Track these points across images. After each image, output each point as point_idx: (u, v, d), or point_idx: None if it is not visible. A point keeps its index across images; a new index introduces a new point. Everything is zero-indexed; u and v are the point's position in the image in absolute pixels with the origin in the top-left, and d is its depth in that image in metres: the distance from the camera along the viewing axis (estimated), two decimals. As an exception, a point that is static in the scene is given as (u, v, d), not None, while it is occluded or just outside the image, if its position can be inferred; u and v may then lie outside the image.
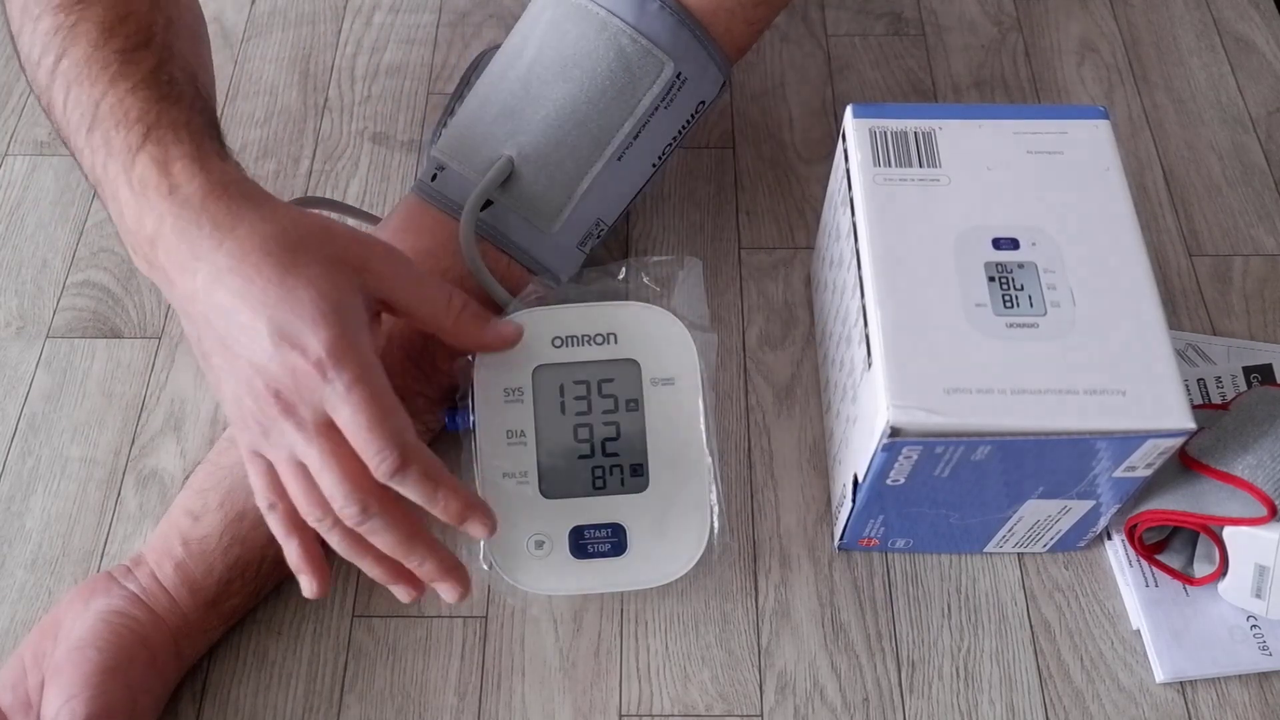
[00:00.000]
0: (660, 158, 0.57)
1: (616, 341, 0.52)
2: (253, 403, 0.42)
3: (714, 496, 0.51)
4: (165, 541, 0.50)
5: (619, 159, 0.54)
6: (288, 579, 0.52)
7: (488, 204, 0.53)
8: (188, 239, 0.41)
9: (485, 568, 0.50)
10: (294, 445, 0.42)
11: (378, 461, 0.40)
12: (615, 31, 0.52)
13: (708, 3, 0.53)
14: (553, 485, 0.51)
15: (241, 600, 0.52)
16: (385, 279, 0.44)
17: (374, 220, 0.61)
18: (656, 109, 0.54)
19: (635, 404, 0.52)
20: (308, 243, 0.42)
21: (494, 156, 0.53)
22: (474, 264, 0.52)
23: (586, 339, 0.52)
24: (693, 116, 0.57)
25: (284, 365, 0.40)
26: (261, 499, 0.45)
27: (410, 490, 0.42)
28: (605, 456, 0.51)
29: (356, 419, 0.40)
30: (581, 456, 0.51)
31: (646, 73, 0.53)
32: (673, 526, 0.51)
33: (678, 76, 0.54)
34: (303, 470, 0.43)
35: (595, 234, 0.57)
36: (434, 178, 0.54)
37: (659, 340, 0.52)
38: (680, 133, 0.57)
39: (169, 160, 0.42)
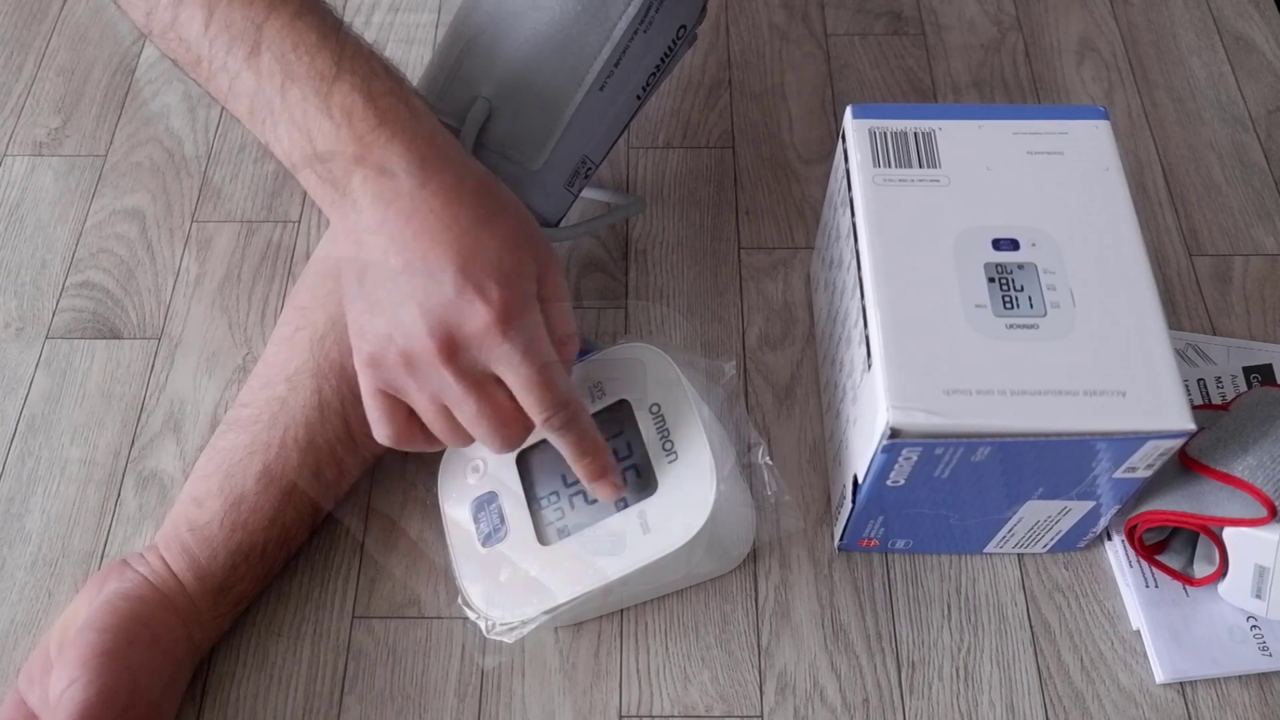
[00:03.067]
0: (644, 89, 0.56)
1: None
2: (406, 343, 0.41)
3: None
4: (174, 527, 0.51)
5: (600, 89, 0.53)
6: (294, 559, 0.54)
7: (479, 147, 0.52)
8: (389, 172, 0.41)
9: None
10: (444, 390, 0.43)
11: (549, 415, 0.44)
12: None
13: None
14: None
15: (250, 585, 0.52)
16: (544, 280, 0.44)
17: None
18: (635, 33, 0.52)
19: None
20: (505, 203, 0.43)
21: (469, 98, 0.51)
22: None
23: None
24: (674, 43, 0.55)
25: (461, 314, 0.41)
26: (387, 436, 0.46)
27: (568, 443, 0.46)
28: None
29: (530, 382, 0.42)
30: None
31: None
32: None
33: None
34: (446, 413, 0.44)
35: (583, 173, 0.55)
36: None
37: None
38: (663, 62, 0.55)
39: (373, 94, 0.41)
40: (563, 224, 0.58)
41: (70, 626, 0.48)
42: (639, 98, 0.56)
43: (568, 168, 0.54)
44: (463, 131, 0.51)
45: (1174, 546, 0.54)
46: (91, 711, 0.45)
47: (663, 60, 0.56)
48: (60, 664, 0.46)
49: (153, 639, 0.48)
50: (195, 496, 0.51)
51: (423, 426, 0.45)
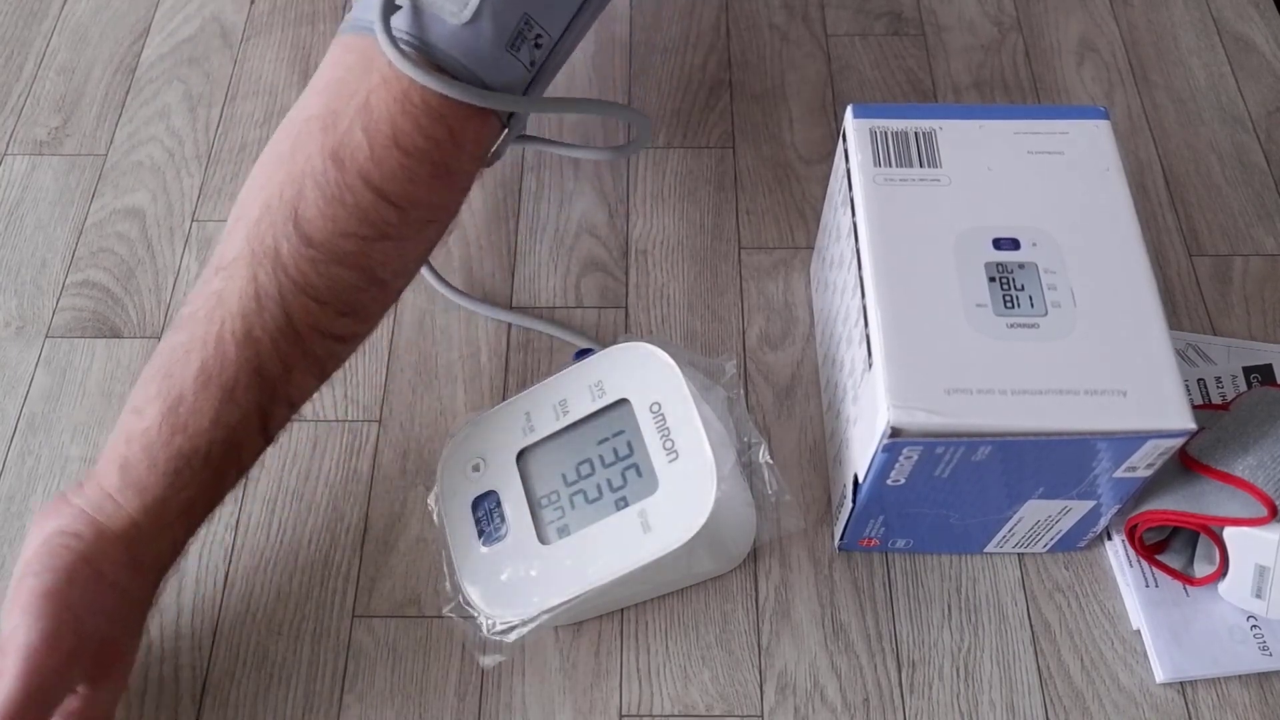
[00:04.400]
0: None
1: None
2: None
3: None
4: (113, 444, 0.48)
5: None
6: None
7: (395, 9, 0.47)
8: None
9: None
10: None
11: None
12: None
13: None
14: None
15: (196, 493, 0.48)
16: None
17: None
18: None
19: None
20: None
21: None
22: (401, 63, 0.46)
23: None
24: None
25: None
26: None
27: None
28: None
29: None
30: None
31: None
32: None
33: None
34: None
35: (531, 39, 0.49)
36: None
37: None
38: None
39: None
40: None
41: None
42: None
43: (506, 25, 0.48)
44: None
45: (1174, 546, 0.54)
46: (35, 656, 0.43)
47: None
48: (5, 613, 0.44)
49: (95, 574, 0.45)
50: (135, 406, 0.48)
51: None
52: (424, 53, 0.47)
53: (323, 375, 0.52)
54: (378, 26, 0.46)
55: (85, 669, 0.45)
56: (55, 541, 0.46)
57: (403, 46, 0.46)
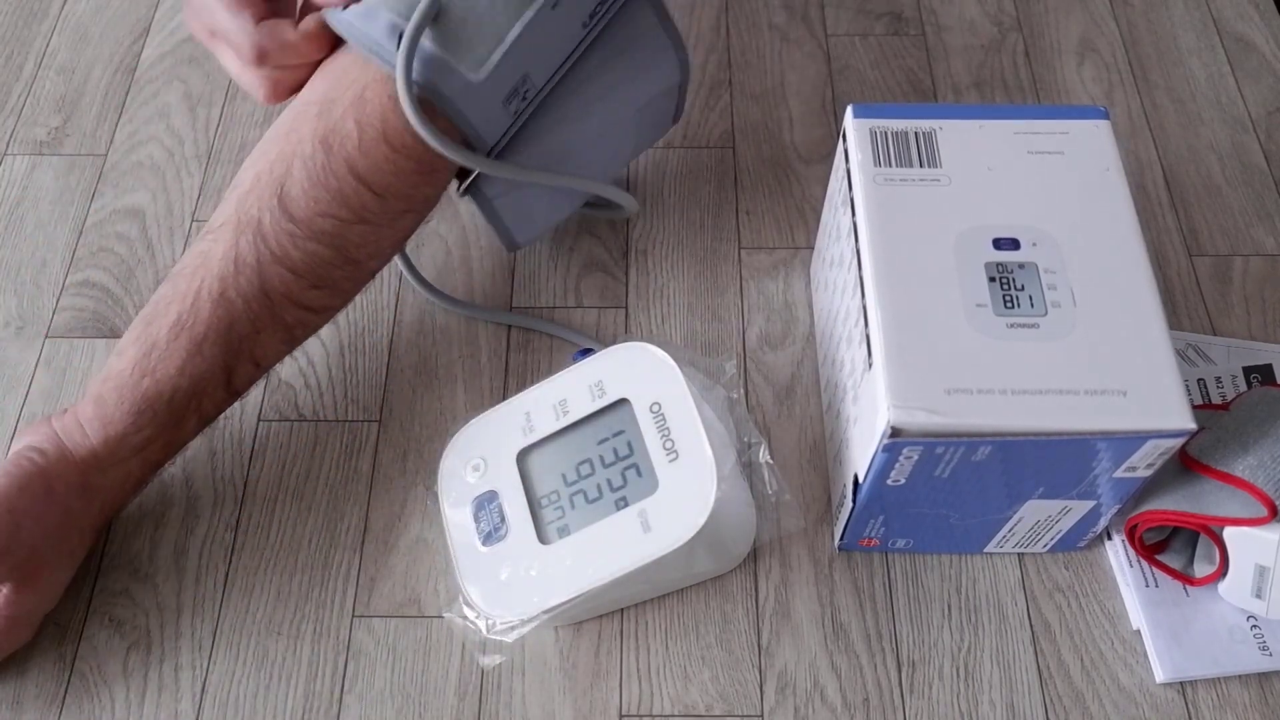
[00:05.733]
0: (592, 17, 0.54)
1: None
2: None
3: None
4: (95, 380, 0.53)
5: (553, 7, 0.51)
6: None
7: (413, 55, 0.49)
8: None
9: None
10: None
11: None
12: None
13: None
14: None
15: (154, 433, 0.52)
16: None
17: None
18: None
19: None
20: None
21: None
22: (416, 119, 0.49)
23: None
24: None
25: None
26: None
27: None
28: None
29: None
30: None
31: None
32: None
33: None
34: None
35: (522, 93, 0.53)
36: (345, 9, 0.50)
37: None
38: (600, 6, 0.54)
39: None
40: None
41: None
42: (585, 26, 0.54)
43: (507, 83, 0.52)
44: (408, 26, 0.48)
45: (1174, 546, 0.54)
46: None
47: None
48: None
49: (46, 489, 0.50)
50: (119, 347, 0.53)
51: None
52: (432, 99, 0.50)
53: (292, 341, 0.55)
54: (400, 77, 0.48)
55: (10, 569, 0.50)
56: (22, 455, 0.51)
57: (414, 90, 0.49)
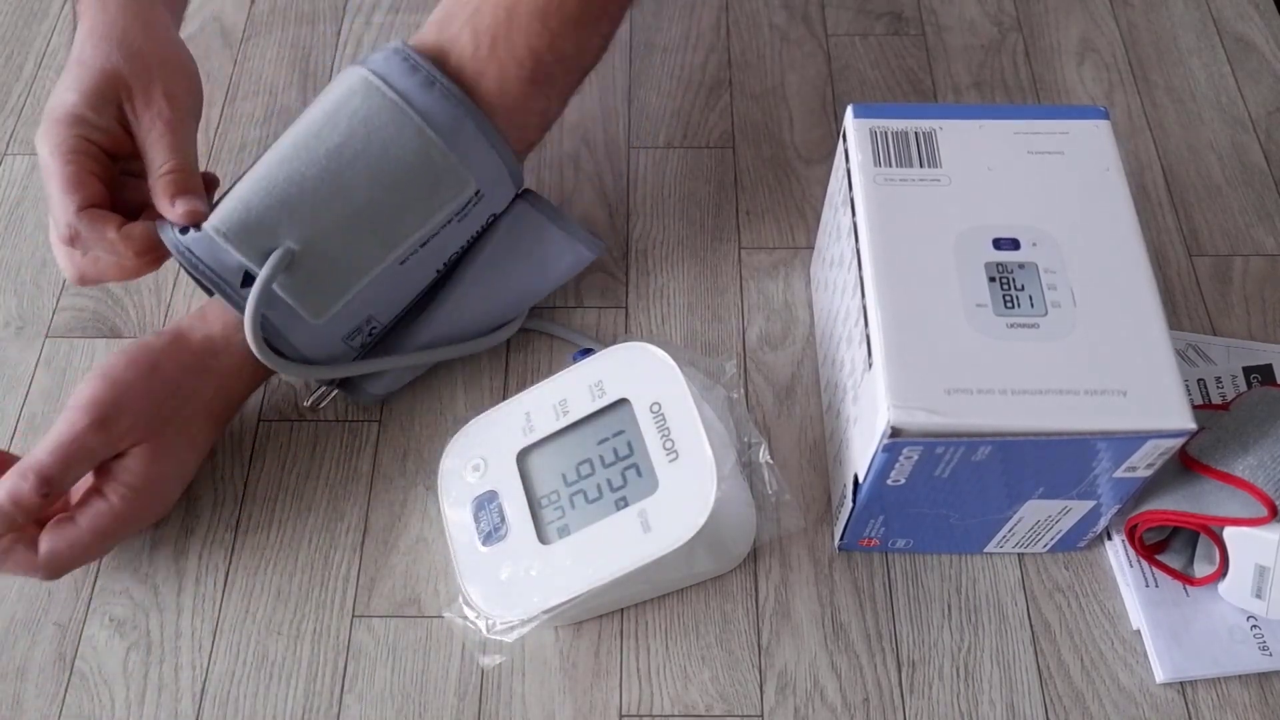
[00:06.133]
0: (445, 265, 0.57)
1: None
2: None
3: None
4: None
5: (401, 263, 0.53)
6: (294, 557, 0.53)
7: (249, 278, 0.51)
8: (79, 20, 0.53)
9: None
10: None
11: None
12: (429, 143, 0.52)
13: (515, 125, 0.55)
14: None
15: None
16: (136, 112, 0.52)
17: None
18: (450, 221, 0.54)
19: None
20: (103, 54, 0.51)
21: (272, 244, 0.50)
22: (261, 354, 0.52)
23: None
24: (482, 228, 0.57)
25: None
26: None
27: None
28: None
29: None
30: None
31: (449, 188, 0.53)
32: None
33: (476, 194, 0.54)
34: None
35: (366, 331, 0.55)
36: (186, 231, 0.51)
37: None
38: (468, 243, 0.57)
39: None
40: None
41: None
42: (439, 271, 0.57)
43: (350, 324, 0.54)
44: (260, 275, 0.50)
45: (1174, 546, 0.54)
46: (70, 416, 0.50)
47: (468, 241, 0.57)
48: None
49: (152, 366, 0.52)
50: None
51: None
52: (267, 332, 0.52)
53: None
54: (249, 325, 0.50)
55: (118, 438, 0.51)
56: (141, 338, 0.53)
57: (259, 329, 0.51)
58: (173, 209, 0.51)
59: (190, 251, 0.51)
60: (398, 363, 0.57)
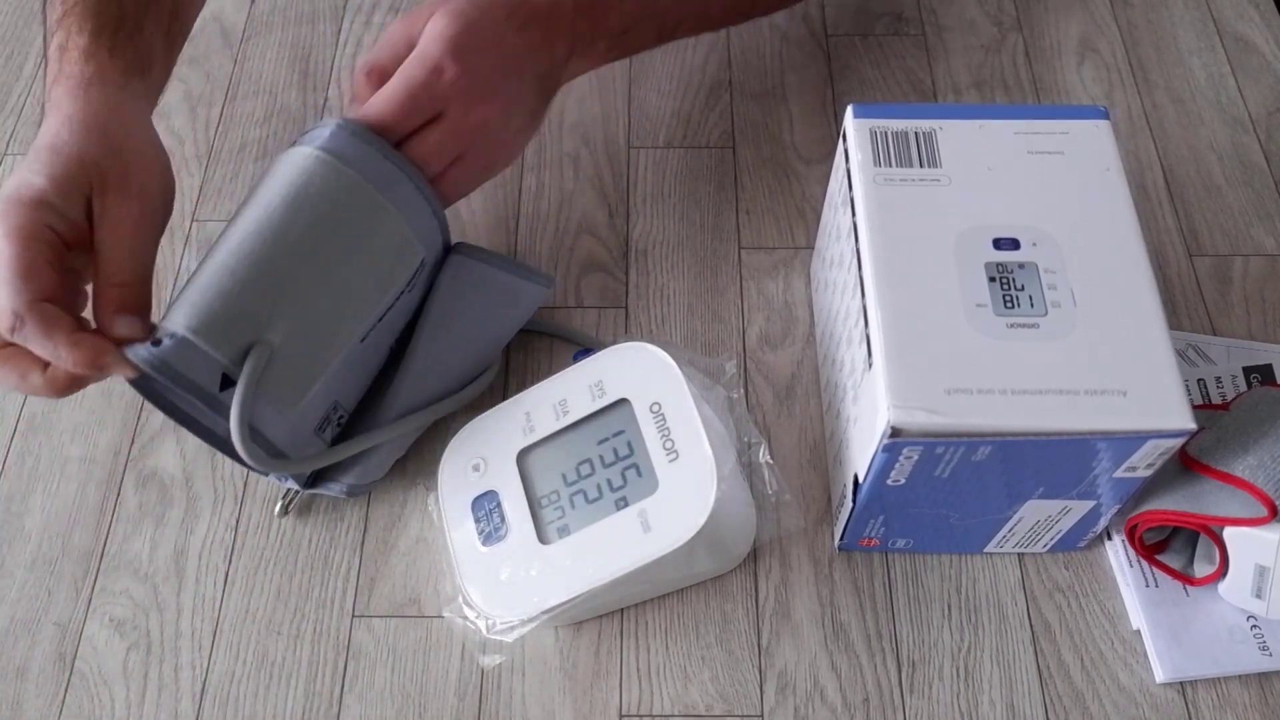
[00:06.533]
0: (397, 339, 0.56)
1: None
2: None
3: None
4: None
5: (362, 341, 0.52)
6: (294, 557, 0.53)
7: (228, 381, 0.48)
8: (51, 108, 0.50)
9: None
10: None
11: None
12: (397, 221, 0.52)
13: (452, 194, 0.56)
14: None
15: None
16: (104, 214, 0.48)
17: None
18: (402, 294, 0.54)
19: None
20: (64, 146, 0.48)
21: (250, 340, 0.48)
22: (267, 465, 0.50)
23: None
24: (425, 297, 0.56)
25: None
26: None
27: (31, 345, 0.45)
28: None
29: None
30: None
31: (407, 261, 0.53)
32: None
33: (422, 263, 0.54)
34: None
35: (334, 420, 0.54)
36: (158, 342, 0.47)
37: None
38: (415, 314, 0.56)
39: (66, 48, 0.51)
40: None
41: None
42: (391, 349, 0.57)
43: (319, 413, 0.52)
44: (244, 372, 0.47)
45: (1174, 546, 0.54)
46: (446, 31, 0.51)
47: (416, 313, 0.56)
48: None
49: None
50: None
51: None
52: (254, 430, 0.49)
53: None
54: (235, 430, 0.48)
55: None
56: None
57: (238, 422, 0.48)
58: (114, 325, 0.46)
59: (165, 364, 0.46)
60: (384, 436, 0.54)
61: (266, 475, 0.54)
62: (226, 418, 0.48)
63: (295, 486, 0.55)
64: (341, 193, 0.50)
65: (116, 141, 0.49)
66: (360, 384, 0.56)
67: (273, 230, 0.49)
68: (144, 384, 0.49)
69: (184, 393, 0.48)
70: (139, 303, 0.47)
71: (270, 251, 0.49)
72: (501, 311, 0.58)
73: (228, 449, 0.49)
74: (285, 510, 0.57)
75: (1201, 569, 0.53)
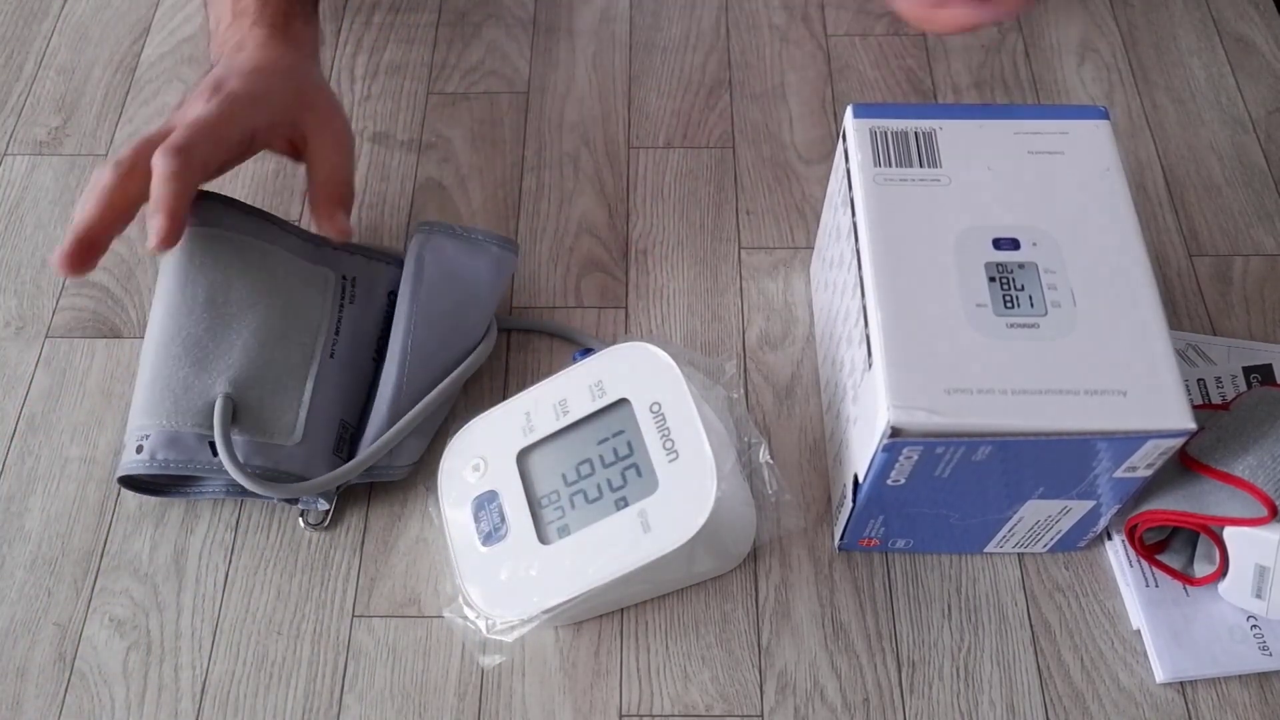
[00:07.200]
0: (377, 353, 0.59)
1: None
2: None
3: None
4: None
5: (330, 356, 0.56)
6: (294, 557, 0.53)
7: (213, 446, 0.52)
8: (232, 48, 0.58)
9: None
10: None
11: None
12: (283, 258, 0.56)
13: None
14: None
15: None
16: (309, 140, 0.57)
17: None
18: (342, 306, 0.58)
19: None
20: (266, 79, 0.56)
21: (209, 400, 0.52)
22: (290, 492, 0.53)
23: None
24: (388, 308, 0.60)
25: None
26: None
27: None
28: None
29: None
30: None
31: (315, 283, 0.57)
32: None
33: (343, 279, 0.59)
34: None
35: (348, 438, 0.56)
36: (139, 449, 0.52)
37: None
38: (387, 324, 0.59)
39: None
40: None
41: None
42: (374, 360, 0.59)
43: (329, 435, 0.55)
44: (215, 431, 0.52)
45: (1174, 546, 0.54)
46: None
47: (385, 325, 0.59)
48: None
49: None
50: None
51: None
52: (271, 476, 0.53)
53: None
54: (236, 473, 0.52)
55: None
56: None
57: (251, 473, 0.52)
58: (331, 220, 0.55)
59: (157, 459, 0.52)
60: (383, 439, 0.55)
61: (294, 504, 0.57)
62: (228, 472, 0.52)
63: (326, 505, 0.57)
64: (223, 255, 0.55)
65: (320, 81, 0.60)
66: (357, 399, 0.57)
67: (182, 307, 0.54)
68: (163, 486, 0.56)
69: (189, 475, 0.53)
70: (348, 202, 0.57)
71: (187, 325, 0.53)
72: (475, 280, 0.59)
73: (252, 491, 0.53)
74: (320, 524, 0.57)
75: (1201, 569, 0.53)
